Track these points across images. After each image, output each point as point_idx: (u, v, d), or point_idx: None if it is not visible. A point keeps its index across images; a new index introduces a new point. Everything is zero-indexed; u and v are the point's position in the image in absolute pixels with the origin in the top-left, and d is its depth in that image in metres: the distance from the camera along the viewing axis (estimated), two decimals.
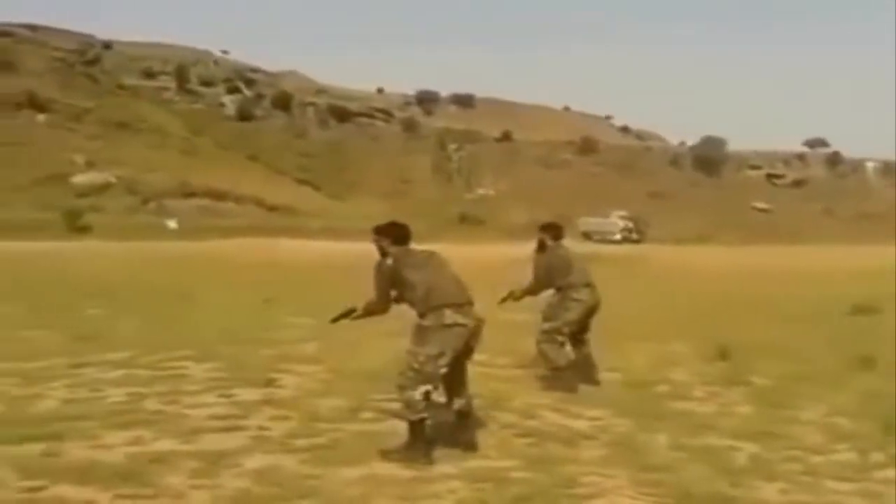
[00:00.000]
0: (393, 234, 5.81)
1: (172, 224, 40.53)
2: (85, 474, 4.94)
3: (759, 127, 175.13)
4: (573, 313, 7.77)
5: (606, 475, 5.23)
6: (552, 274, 7.91)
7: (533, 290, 8.13)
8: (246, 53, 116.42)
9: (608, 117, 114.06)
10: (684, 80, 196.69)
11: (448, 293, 5.60)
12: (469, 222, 58.64)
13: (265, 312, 12.91)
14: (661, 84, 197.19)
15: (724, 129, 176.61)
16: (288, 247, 32.07)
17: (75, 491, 4.69)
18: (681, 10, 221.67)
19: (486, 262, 26.09)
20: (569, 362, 7.73)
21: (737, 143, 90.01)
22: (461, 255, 27.44)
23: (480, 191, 75.66)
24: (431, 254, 5.93)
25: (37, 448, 5.41)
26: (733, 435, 6.21)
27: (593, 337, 8.15)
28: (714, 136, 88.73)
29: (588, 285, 7.95)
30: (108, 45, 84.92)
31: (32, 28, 74.97)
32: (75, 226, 36.85)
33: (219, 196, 47.17)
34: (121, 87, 70.90)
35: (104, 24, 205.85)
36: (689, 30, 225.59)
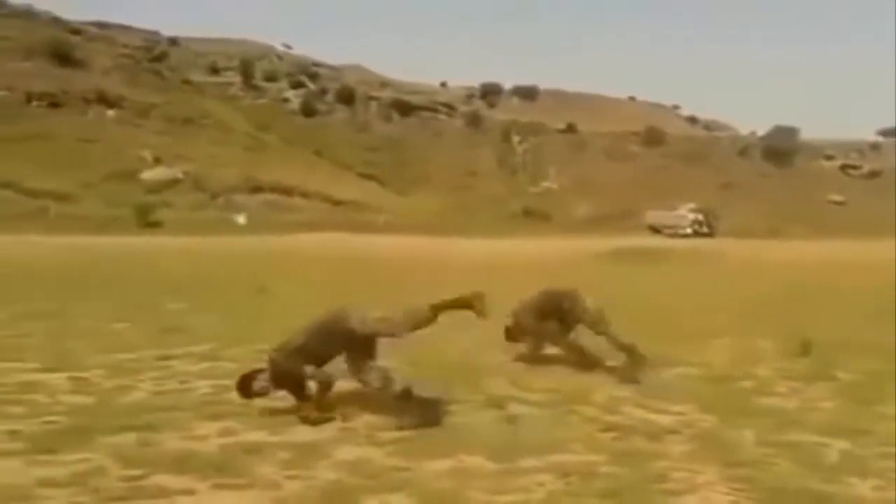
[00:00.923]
0: None
1: (241, 219, 41.02)
2: (181, 464, 5.10)
3: (832, 116, 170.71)
4: None
5: (695, 471, 5.22)
6: None
7: None
8: (309, 48, 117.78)
9: (675, 107, 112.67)
10: (754, 69, 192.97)
11: None
12: (533, 216, 58.32)
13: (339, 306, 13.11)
14: (730, 73, 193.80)
15: (796, 119, 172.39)
16: (356, 242, 32.40)
17: (174, 480, 4.85)
18: None
19: (551, 258, 26.09)
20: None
21: (809, 133, 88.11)
22: (525, 250, 27.67)
23: (545, 184, 75.09)
24: None
25: (132, 438, 5.62)
26: (821, 431, 6.14)
27: (673, 333, 8.17)
28: (785, 125, 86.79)
29: None
30: (173, 42, 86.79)
31: (101, 25, 76.88)
32: (146, 221, 37.58)
33: (286, 191, 47.61)
34: (186, 82, 71.92)
35: (170, 21, 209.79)
36: (758, 17, 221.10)
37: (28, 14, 63.83)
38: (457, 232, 39.97)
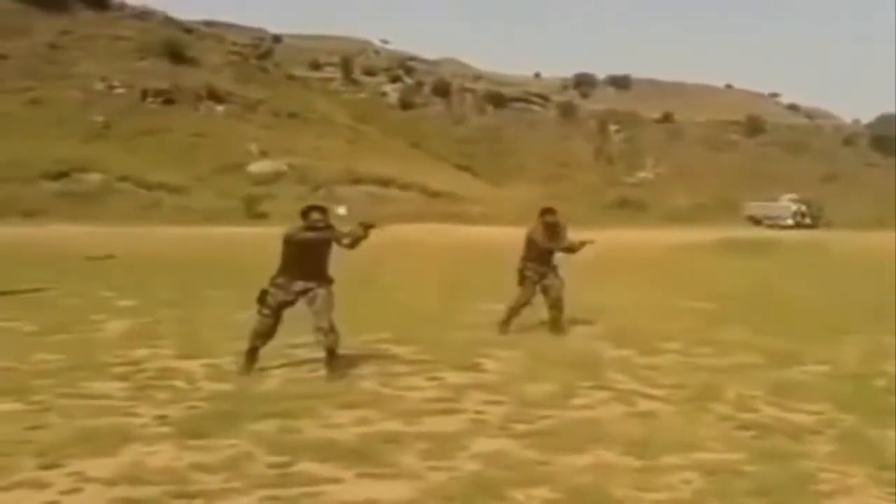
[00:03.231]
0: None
1: (342, 210, 41.56)
2: (324, 452, 5.18)
3: None
4: None
5: (844, 472, 5.06)
6: None
7: None
8: (406, 42, 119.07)
9: (774, 95, 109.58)
10: (857, 55, 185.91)
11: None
12: (630, 207, 57.52)
13: (451, 296, 13.19)
14: (832, 59, 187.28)
15: None
16: (453, 232, 32.59)
17: (319, 468, 4.91)
18: None
19: (652, 248, 25.70)
20: None
21: None
22: (623, 241, 27.31)
23: (641, 174, 74.18)
24: None
25: (274, 425, 5.72)
26: None
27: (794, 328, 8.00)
28: (892, 112, 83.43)
29: None
30: (277, 39, 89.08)
31: (210, 24, 79.22)
32: (254, 212, 38.54)
33: (384, 183, 48.15)
34: (290, 78, 73.40)
35: (274, 18, 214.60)
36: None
37: (144, 15, 66.13)
38: None
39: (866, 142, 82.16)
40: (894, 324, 10.45)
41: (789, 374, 7.79)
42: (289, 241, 7.55)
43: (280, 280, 7.59)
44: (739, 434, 5.86)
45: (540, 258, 9.87)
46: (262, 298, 7.62)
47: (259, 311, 7.62)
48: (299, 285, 7.53)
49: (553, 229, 9.97)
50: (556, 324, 9.83)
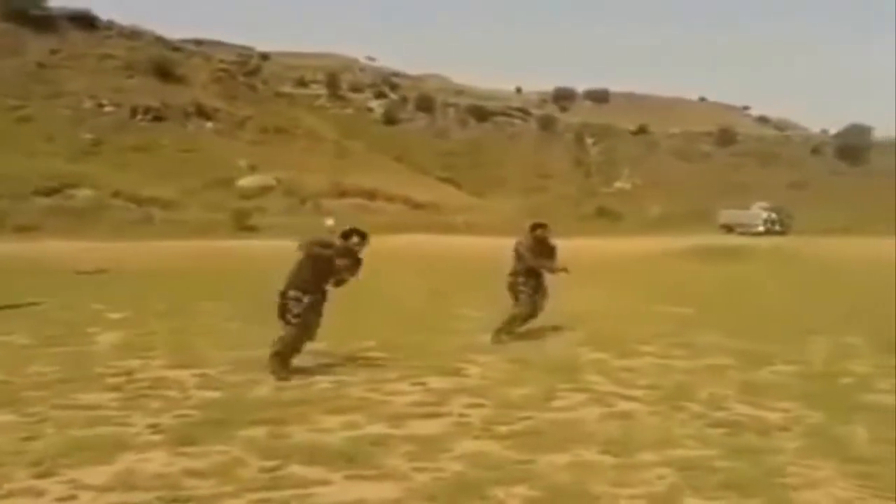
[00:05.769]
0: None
1: (329, 222, 41.80)
2: (313, 455, 5.33)
3: None
4: None
5: (811, 466, 5.29)
6: None
7: None
8: (390, 59, 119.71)
9: (745, 107, 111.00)
10: (825, 68, 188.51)
11: None
12: (607, 216, 57.99)
13: (436, 304, 13.44)
14: (799, 72, 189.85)
15: (872, 118, 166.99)
16: (437, 241, 32.79)
17: (308, 471, 5.07)
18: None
19: (628, 256, 26.00)
20: None
21: (884, 131, 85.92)
22: (601, 249, 27.60)
23: (618, 184, 74.78)
24: None
25: (264, 431, 5.88)
26: None
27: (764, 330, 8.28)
28: (859, 123, 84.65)
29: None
30: (265, 56, 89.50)
31: (198, 42, 79.43)
32: (243, 225, 38.64)
33: (370, 195, 48.47)
34: (278, 95, 73.96)
35: (261, 37, 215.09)
36: (826, 17, 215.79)
37: (133, 34, 66.22)
38: None
39: (833, 151, 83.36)
40: (860, 325, 10.81)
41: (760, 374, 8.10)
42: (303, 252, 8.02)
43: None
44: (712, 431, 6.08)
45: (529, 272, 10.06)
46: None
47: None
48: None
49: (543, 244, 10.19)
50: (511, 325, 10.01)
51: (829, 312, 12.65)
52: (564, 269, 10.14)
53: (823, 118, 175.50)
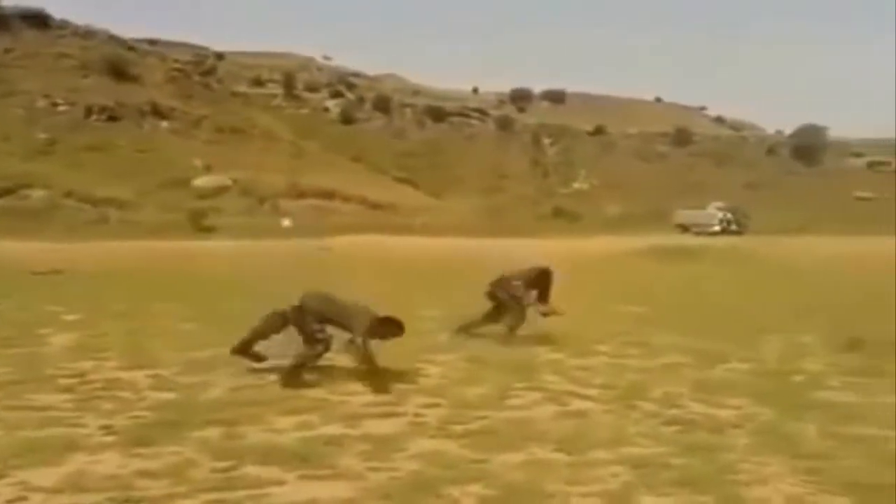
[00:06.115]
0: None
1: (287, 223, 41.86)
2: (267, 456, 5.32)
3: (861, 114, 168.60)
4: None
5: (762, 463, 5.38)
6: None
7: None
8: (347, 59, 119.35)
9: (701, 108, 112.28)
10: (779, 69, 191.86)
11: None
12: (565, 216, 58.38)
13: (394, 304, 13.35)
14: (756, 73, 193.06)
15: (825, 118, 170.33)
16: (395, 242, 32.77)
17: (262, 471, 5.06)
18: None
19: (587, 256, 26.21)
20: None
21: (838, 132, 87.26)
22: (559, 249, 27.89)
23: (575, 185, 75.24)
24: None
25: (217, 432, 5.85)
26: (883, 425, 6.23)
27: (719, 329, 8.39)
28: (813, 124, 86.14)
29: None
30: (220, 56, 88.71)
31: (153, 42, 78.83)
32: (200, 226, 38.33)
33: (327, 195, 48.43)
34: (233, 94, 73.67)
35: (217, 36, 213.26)
36: (784, 16, 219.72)
37: (87, 33, 65.52)
38: (490, 233, 40.24)
39: (788, 152, 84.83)
40: (813, 324, 11.01)
41: (714, 373, 8.21)
42: None
43: None
44: (665, 429, 6.16)
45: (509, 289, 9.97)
46: None
47: None
48: None
49: (544, 283, 10.08)
50: (472, 328, 10.03)
51: (784, 311, 12.83)
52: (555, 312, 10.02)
53: (779, 118, 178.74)
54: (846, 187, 74.18)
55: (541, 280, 10.06)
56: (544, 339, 9.80)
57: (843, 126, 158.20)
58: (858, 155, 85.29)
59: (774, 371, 8.28)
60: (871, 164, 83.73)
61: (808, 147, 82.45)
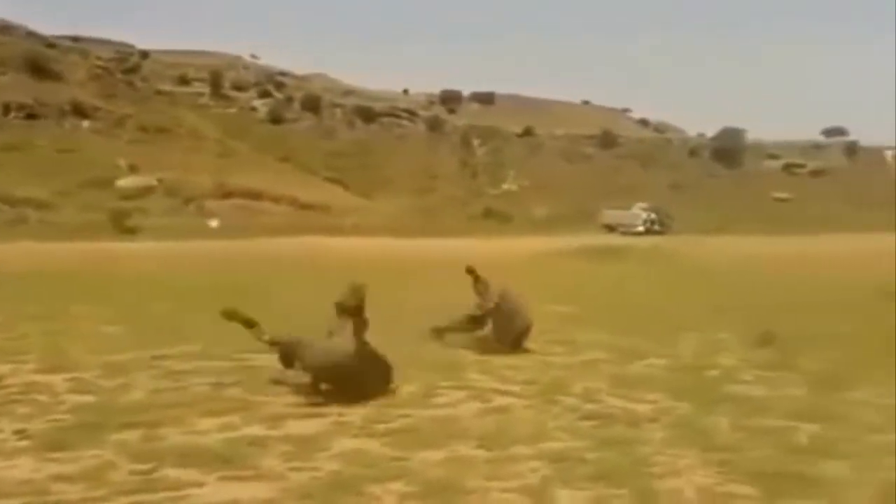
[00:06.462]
0: None
1: (214, 223, 41.35)
2: (187, 457, 5.29)
3: (779, 117, 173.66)
4: None
5: (676, 455, 5.52)
6: None
7: None
8: (275, 58, 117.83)
9: (626, 110, 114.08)
10: (701, 72, 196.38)
11: None
12: (494, 217, 58.87)
13: (323, 304, 13.34)
14: (679, 77, 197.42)
15: (744, 121, 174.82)
16: (326, 243, 32.64)
17: (182, 473, 5.04)
18: (697, 3, 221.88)
19: (514, 256, 26.46)
20: None
21: (756, 134, 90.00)
22: (488, 249, 28.18)
23: (504, 186, 75.84)
24: None
25: (137, 434, 5.79)
26: (790, 416, 6.47)
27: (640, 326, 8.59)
28: (733, 126, 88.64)
29: None
30: (145, 54, 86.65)
31: (75, 39, 76.68)
32: (123, 227, 37.63)
33: (255, 196, 47.89)
34: (158, 93, 72.18)
35: (140, 34, 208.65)
36: (704, 21, 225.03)
37: (4, 29, 63.53)
38: (421, 233, 40.44)
39: (709, 154, 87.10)
40: (729, 321, 11.38)
41: (633, 368, 8.44)
42: None
43: None
44: (584, 424, 6.30)
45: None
46: None
47: None
48: None
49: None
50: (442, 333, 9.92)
51: (702, 309, 13.21)
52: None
53: (701, 121, 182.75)
54: (764, 188, 76.61)
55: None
56: (473, 339, 9.88)
57: (761, 128, 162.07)
58: (775, 157, 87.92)
59: (690, 366, 8.54)
60: (787, 167, 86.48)
61: (728, 149, 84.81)
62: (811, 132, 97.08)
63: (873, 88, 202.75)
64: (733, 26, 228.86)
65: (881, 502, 4.77)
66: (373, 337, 9.71)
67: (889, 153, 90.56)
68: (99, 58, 70.59)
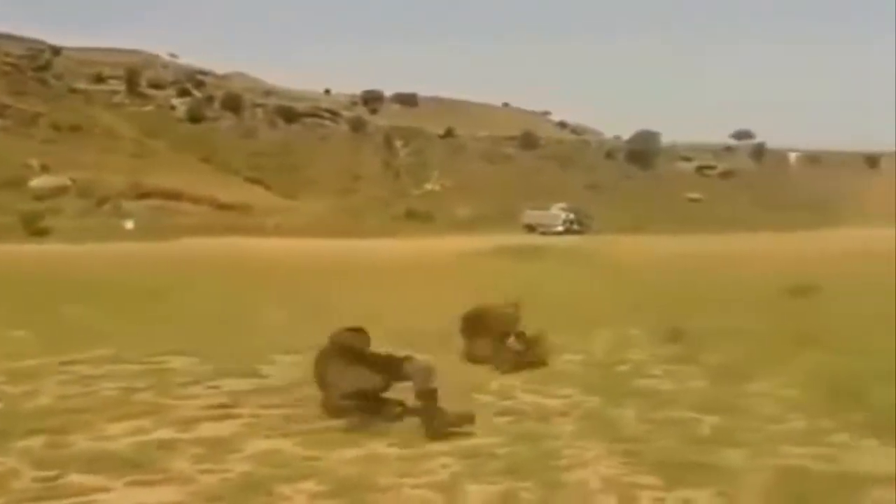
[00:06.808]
0: None
1: (129, 224, 40.60)
2: (94, 463, 5.19)
3: (691, 121, 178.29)
4: None
5: (584, 448, 5.67)
6: None
7: None
8: (194, 56, 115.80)
9: (546, 113, 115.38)
10: (618, 77, 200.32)
11: None
12: (416, 217, 59.08)
13: (240, 307, 13.14)
14: (596, 80, 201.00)
15: (658, 124, 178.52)
16: (246, 244, 32.29)
17: (88, 479, 4.93)
18: (613, 10, 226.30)
19: (436, 256, 26.64)
20: None
21: (669, 137, 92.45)
22: (411, 249, 28.27)
23: (427, 186, 76.24)
24: None
25: (42, 440, 5.66)
26: (694, 408, 6.69)
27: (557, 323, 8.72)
28: (647, 130, 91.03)
29: None
30: (57, 51, 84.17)
31: None
32: (34, 229, 36.64)
33: (173, 196, 47.17)
34: (72, 91, 70.61)
35: (53, 30, 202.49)
36: (621, 28, 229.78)
37: None
38: (344, 234, 40.36)
39: (624, 156, 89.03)
40: (642, 318, 11.67)
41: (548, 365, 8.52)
42: None
43: None
44: (498, 420, 6.40)
45: None
46: None
47: None
48: None
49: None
50: None
51: (616, 306, 13.50)
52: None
53: (617, 124, 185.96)
54: (677, 189, 78.76)
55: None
56: (389, 337, 9.87)
57: (675, 131, 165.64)
58: (687, 159, 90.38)
59: (602, 362, 8.76)
60: (699, 168, 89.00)
61: (642, 151, 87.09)
62: (722, 135, 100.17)
63: (780, 91, 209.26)
64: (652, 31, 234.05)
65: (777, 487, 4.95)
66: (289, 338, 9.81)
67: (793, 155, 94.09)
68: (8, 54, 68.74)
